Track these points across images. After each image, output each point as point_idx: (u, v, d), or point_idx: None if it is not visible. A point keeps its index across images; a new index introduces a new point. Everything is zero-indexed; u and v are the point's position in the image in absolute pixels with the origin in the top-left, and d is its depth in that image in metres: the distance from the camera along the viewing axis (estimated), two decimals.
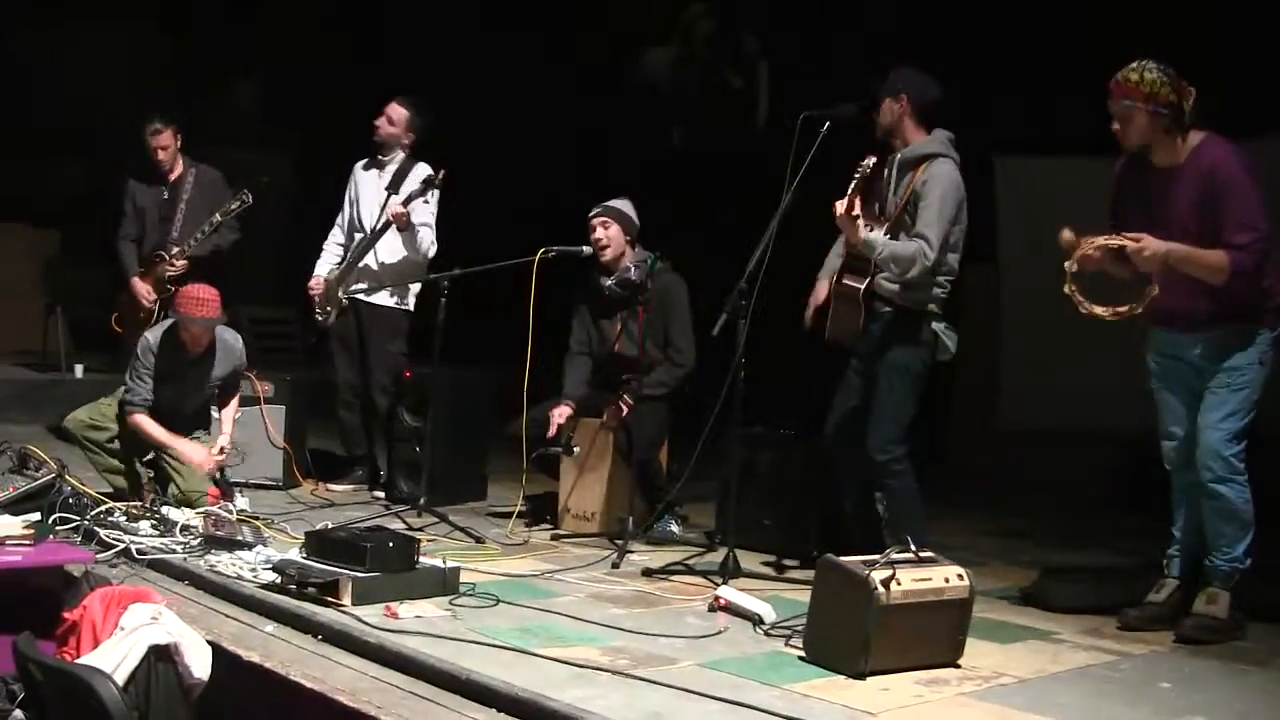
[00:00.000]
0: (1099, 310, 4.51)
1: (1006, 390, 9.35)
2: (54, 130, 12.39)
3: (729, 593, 4.67)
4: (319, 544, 4.70)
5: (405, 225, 6.77)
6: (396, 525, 5.75)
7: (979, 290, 8.81)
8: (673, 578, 5.20)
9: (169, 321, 5.97)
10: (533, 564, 5.39)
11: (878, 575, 3.87)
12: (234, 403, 6.28)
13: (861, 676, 3.86)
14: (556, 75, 12.06)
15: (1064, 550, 6.34)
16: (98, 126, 11.37)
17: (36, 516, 5.15)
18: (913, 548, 4.10)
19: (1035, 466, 8.32)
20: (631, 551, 5.55)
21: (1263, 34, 7.53)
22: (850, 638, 3.90)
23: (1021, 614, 4.92)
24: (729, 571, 5.08)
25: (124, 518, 5.42)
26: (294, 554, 4.75)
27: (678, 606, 4.75)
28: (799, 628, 4.20)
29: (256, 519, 5.58)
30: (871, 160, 4.93)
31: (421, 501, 6.10)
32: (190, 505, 5.63)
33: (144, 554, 5.06)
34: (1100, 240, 4.48)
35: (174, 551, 5.11)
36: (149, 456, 5.99)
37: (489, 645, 4.02)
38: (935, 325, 5.15)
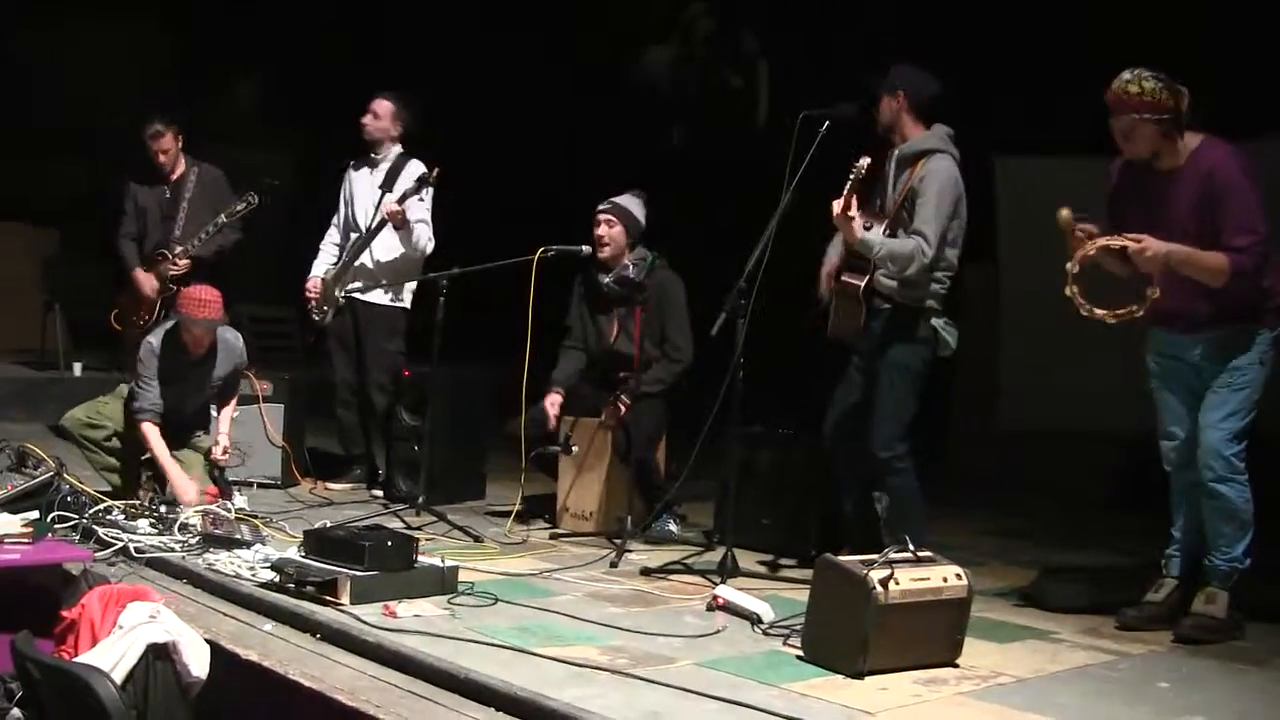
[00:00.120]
0: (1099, 312, 4.50)
1: (1006, 390, 9.35)
2: (54, 130, 12.39)
3: (727, 592, 4.67)
4: (317, 543, 4.70)
5: (401, 223, 6.77)
6: (395, 524, 5.75)
7: (979, 290, 8.82)
8: (671, 577, 5.20)
9: (170, 323, 5.96)
10: (531, 563, 5.39)
11: (876, 575, 3.87)
12: (232, 403, 6.27)
13: (860, 676, 3.85)
14: (556, 74, 12.07)
15: (1063, 550, 6.34)
16: (98, 126, 11.37)
17: (35, 515, 5.14)
18: (911, 547, 4.10)
19: (1034, 466, 8.32)
20: (630, 551, 5.55)
21: (1262, 34, 7.53)
22: (848, 637, 3.90)
23: (1020, 614, 4.92)
24: (727, 571, 5.08)
25: (122, 516, 5.42)
26: (292, 553, 4.74)
27: (676, 606, 4.75)
28: (797, 627, 4.20)
29: (255, 517, 5.59)
30: (866, 160, 4.93)
31: (420, 500, 6.10)
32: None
33: (142, 552, 5.05)
34: (1102, 241, 4.47)
35: (172, 550, 5.11)
36: (147, 455, 5.99)
37: (487, 644, 4.02)
38: (935, 321, 5.15)
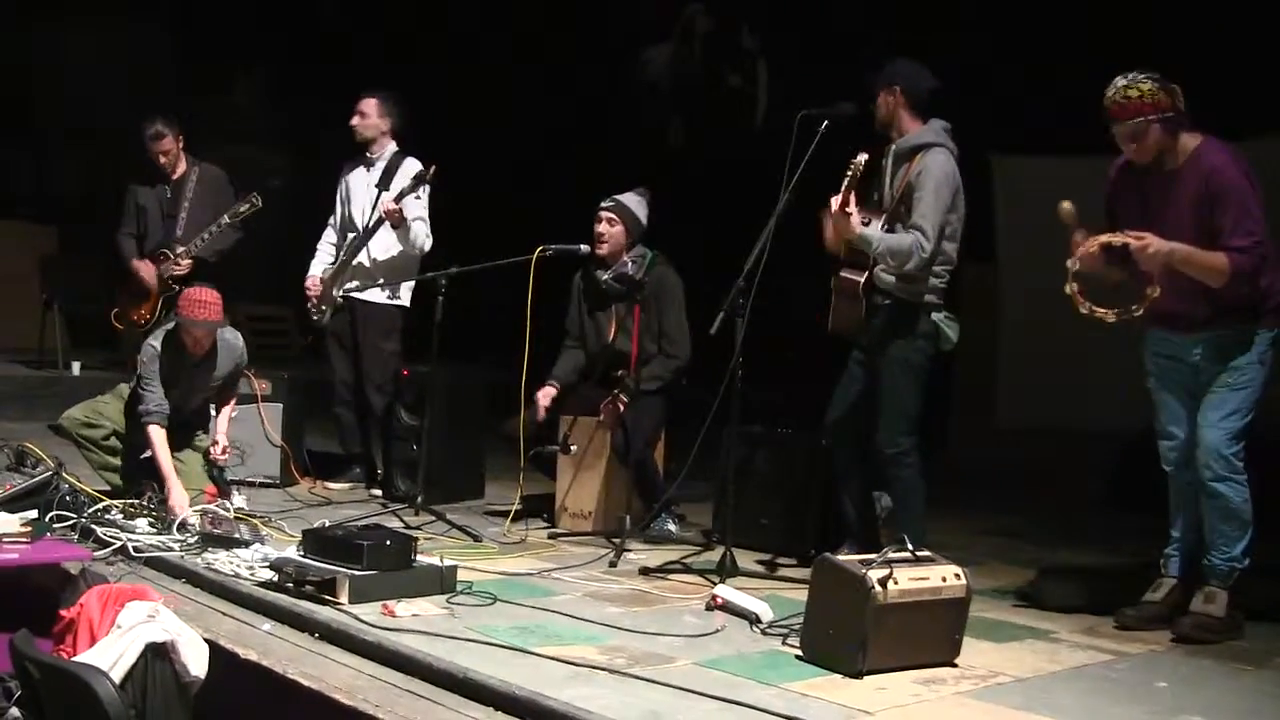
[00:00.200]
0: (1100, 311, 4.50)
1: (1004, 389, 9.36)
2: (53, 129, 12.41)
3: (726, 591, 4.67)
4: (316, 542, 4.69)
5: (398, 222, 6.77)
6: (394, 523, 5.75)
7: (977, 289, 8.82)
8: (670, 576, 5.20)
9: (170, 324, 5.95)
10: (530, 562, 5.39)
11: (875, 574, 3.87)
12: (230, 402, 6.26)
13: (859, 675, 3.85)
14: (554, 74, 12.07)
15: (1062, 549, 6.34)
16: (97, 126, 11.38)
17: (34, 514, 5.15)
18: (909, 547, 4.10)
19: (1033, 465, 8.32)
20: (629, 550, 5.55)
21: (1263, 34, 7.53)
22: (847, 637, 3.90)
23: (1019, 613, 4.92)
24: (726, 570, 5.08)
25: (121, 515, 5.41)
26: (291, 552, 4.74)
27: (675, 605, 4.75)
28: (796, 627, 4.20)
29: (254, 517, 5.58)
30: (864, 156, 4.94)
31: (419, 500, 6.10)
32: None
33: (141, 552, 5.05)
34: (1104, 238, 4.47)
35: (171, 549, 5.11)
36: (146, 454, 5.98)
37: (486, 644, 4.01)
38: (935, 316, 5.17)
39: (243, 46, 13.11)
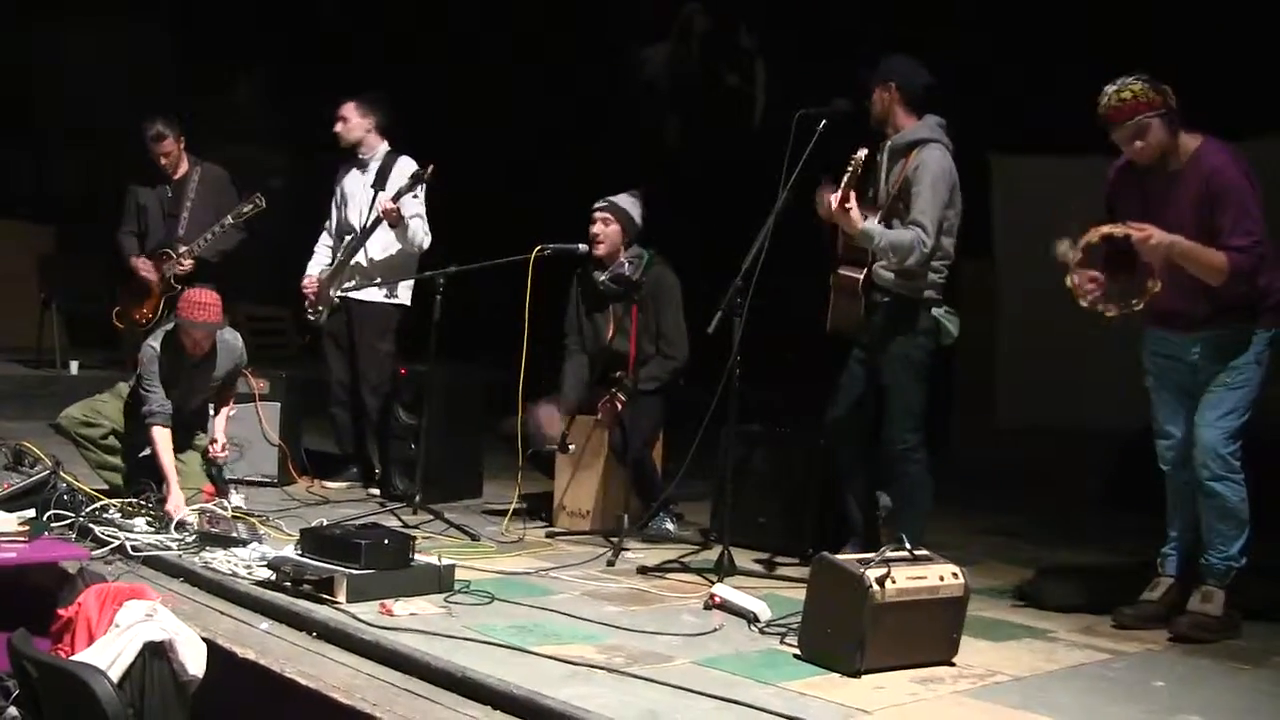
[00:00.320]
0: (1101, 305, 4.50)
1: (1003, 388, 9.36)
2: (53, 129, 12.40)
3: (724, 590, 4.68)
4: (314, 541, 4.69)
5: (396, 221, 6.77)
6: (392, 522, 5.74)
7: (976, 287, 8.82)
8: (668, 575, 5.20)
9: (169, 325, 5.94)
10: (528, 561, 5.39)
11: (873, 573, 3.87)
12: (229, 400, 6.26)
13: (856, 674, 3.86)
14: (554, 74, 12.07)
15: (1060, 548, 6.34)
16: (98, 126, 11.37)
17: (31, 513, 5.15)
18: (908, 546, 4.10)
19: (1032, 464, 8.33)
20: (627, 549, 5.55)
21: (1263, 34, 7.53)
22: (845, 636, 3.90)
23: (1016, 612, 4.92)
24: (724, 569, 5.08)
25: (119, 515, 5.41)
26: (289, 551, 4.74)
27: (673, 604, 4.75)
28: (794, 626, 4.20)
29: (252, 516, 5.58)
30: (863, 153, 4.95)
31: (417, 499, 6.10)
32: None
33: (139, 551, 5.05)
34: (1105, 229, 4.48)
35: (169, 548, 5.11)
36: (145, 452, 5.98)
37: (484, 643, 4.01)
38: (935, 311, 5.17)
39: (243, 46, 13.10)
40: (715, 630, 4.36)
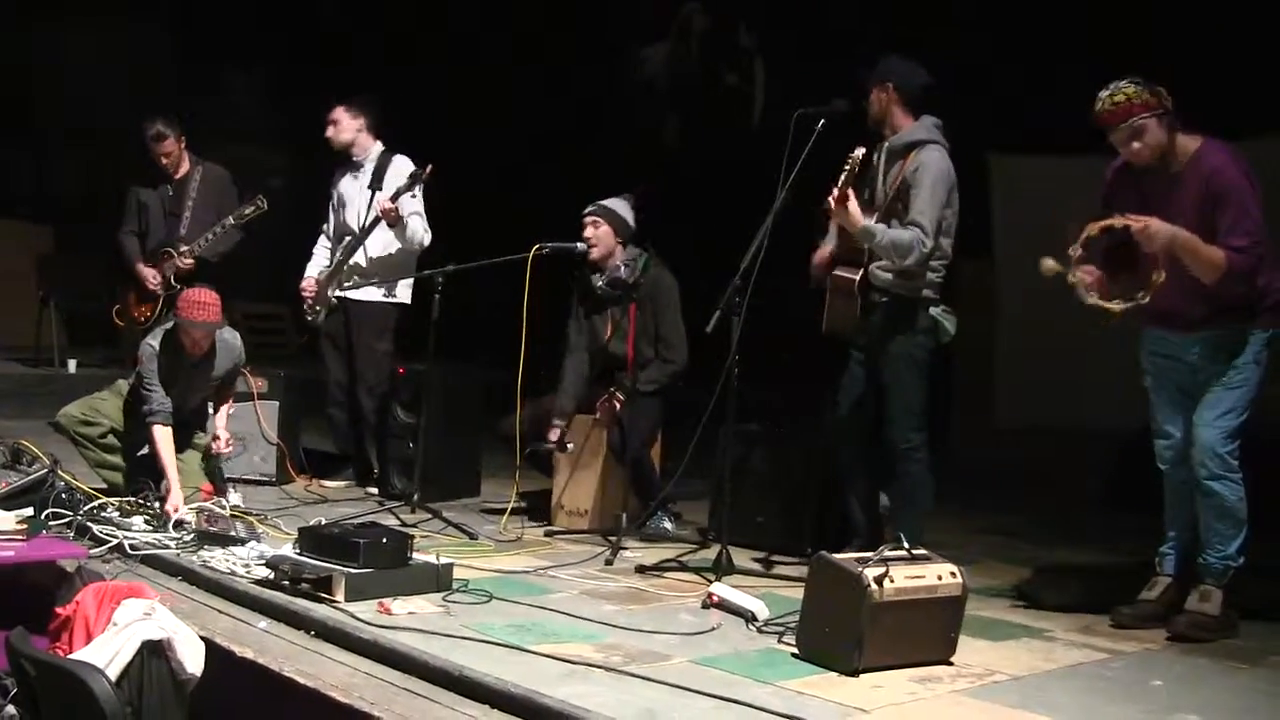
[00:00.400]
0: (1105, 303, 4.50)
1: (1003, 388, 9.36)
2: (53, 129, 12.39)
3: (722, 589, 4.67)
4: (312, 540, 4.70)
5: (395, 220, 6.77)
6: (390, 521, 5.75)
7: (975, 287, 8.82)
8: (666, 574, 5.20)
9: (168, 324, 5.94)
10: (526, 560, 5.39)
11: (871, 572, 3.87)
12: (228, 398, 6.25)
13: (855, 673, 3.86)
14: (553, 74, 12.07)
15: (1058, 548, 6.34)
16: (98, 126, 11.37)
17: (30, 512, 5.15)
18: (905, 545, 4.10)
19: (1031, 464, 8.33)
20: (625, 548, 5.55)
21: (1262, 34, 7.53)
22: (844, 635, 3.90)
23: (1015, 612, 4.92)
24: (722, 568, 5.08)
25: (117, 513, 5.41)
26: (287, 550, 4.74)
27: (671, 603, 4.75)
28: (792, 625, 4.20)
29: (250, 515, 5.58)
30: (861, 150, 4.95)
31: (415, 498, 6.10)
32: None
33: (137, 549, 5.05)
34: (1103, 221, 4.48)
35: (167, 547, 5.11)
36: (144, 451, 5.98)
37: (482, 642, 4.01)
38: (933, 310, 5.18)
39: (243, 46, 13.10)
40: (713, 629, 4.36)
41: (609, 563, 5.34)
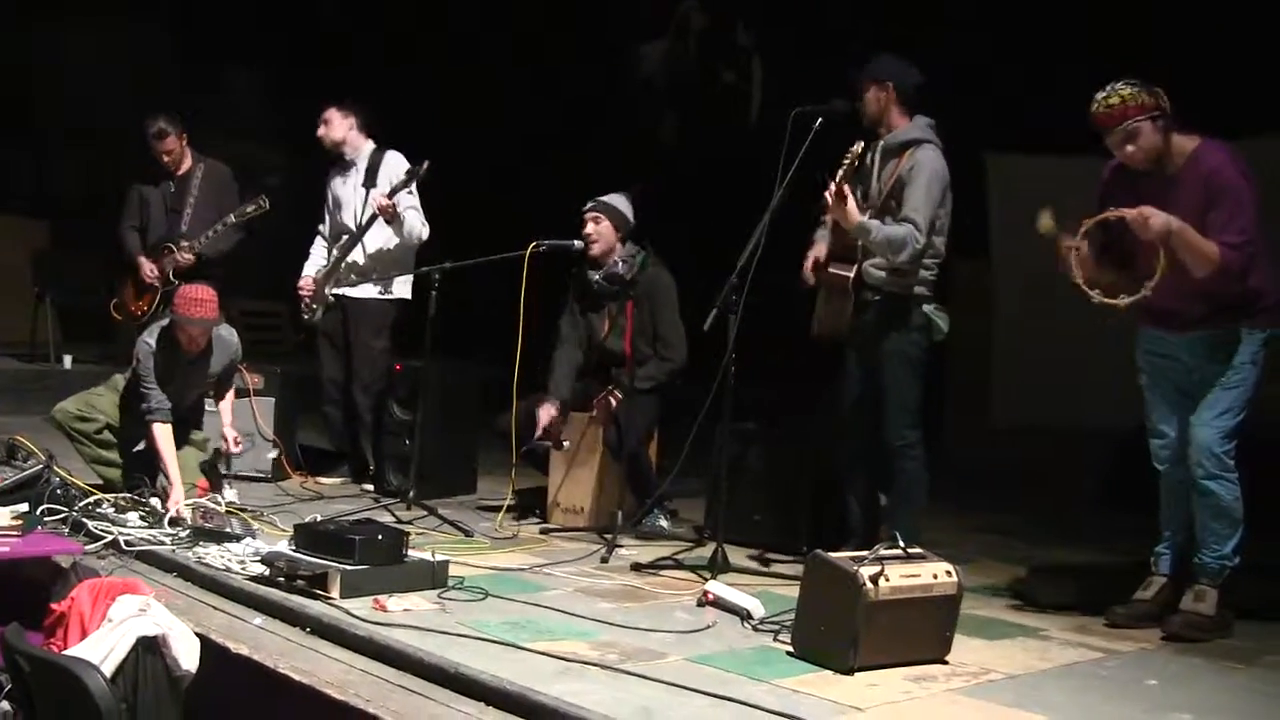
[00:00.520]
0: (1110, 300, 4.50)
1: (999, 387, 9.37)
2: (53, 129, 12.38)
3: (718, 588, 4.67)
4: (308, 537, 4.69)
5: (392, 217, 6.77)
6: (386, 518, 5.74)
7: (971, 287, 8.82)
8: (662, 572, 5.20)
9: (165, 321, 5.94)
10: (522, 558, 5.39)
11: (866, 571, 3.87)
12: (230, 395, 6.24)
13: (850, 672, 3.86)
14: (552, 73, 12.06)
15: (1054, 547, 6.35)
16: (98, 126, 11.36)
17: (25, 507, 5.14)
18: (901, 543, 4.10)
19: (1027, 463, 8.34)
20: (620, 546, 5.55)
21: (1262, 34, 7.53)
22: (839, 633, 3.90)
23: (1010, 611, 4.93)
24: (718, 566, 5.08)
25: (112, 509, 5.41)
26: (283, 546, 4.74)
27: (667, 601, 4.75)
28: (788, 623, 4.20)
29: (245, 511, 5.58)
30: (860, 145, 4.96)
31: (411, 495, 6.10)
32: None
33: (132, 545, 5.04)
34: (1099, 216, 4.48)
35: (162, 543, 5.10)
36: (140, 446, 5.97)
37: (478, 639, 4.01)
38: (926, 308, 5.19)
39: (243, 46, 13.09)
40: (709, 627, 4.36)
41: (605, 560, 5.34)
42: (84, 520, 5.21)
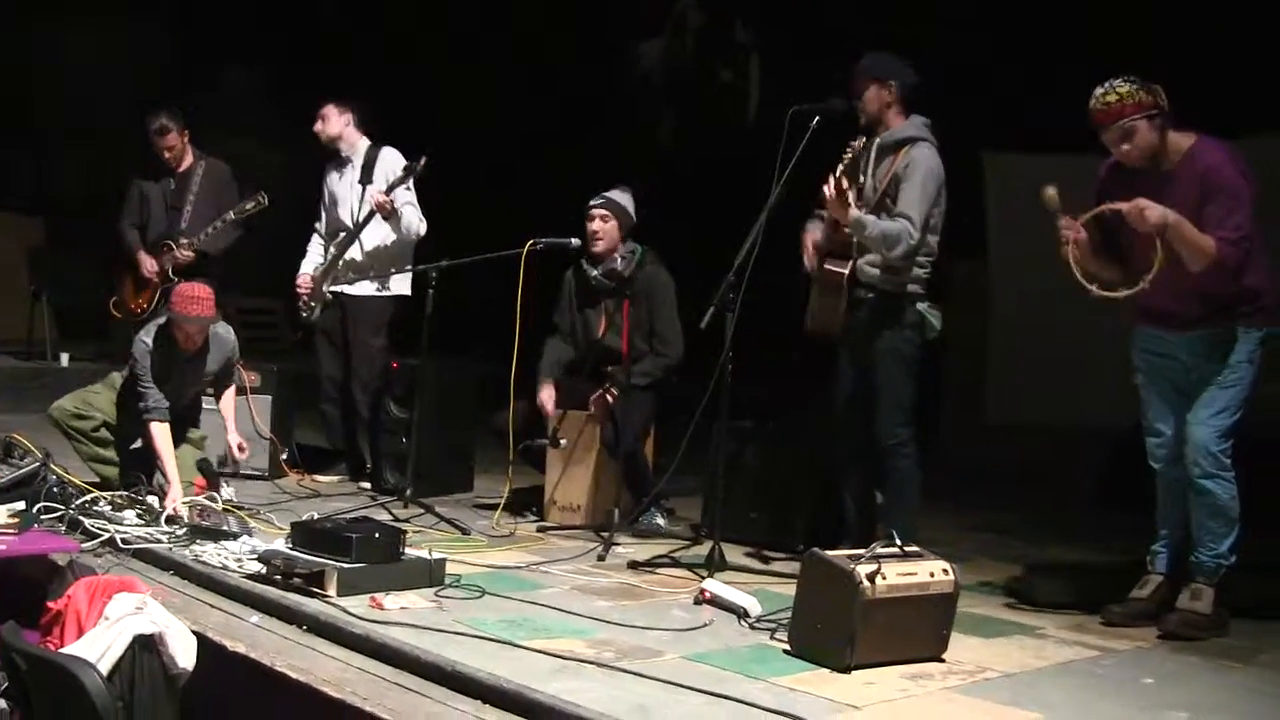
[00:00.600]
0: (1109, 293, 4.50)
1: (995, 384, 9.37)
2: (53, 129, 12.37)
3: (714, 586, 4.68)
4: (305, 535, 4.69)
5: (389, 213, 6.77)
6: (382, 516, 5.74)
7: (968, 286, 8.83)
8: (658, 570, 5.20)
9: (161, 320, 5.93)
10: (518, 556, 5.39)
11: (863, 569, 3.88)
12: (230, 394, 6.23)
13: (846, 670, 3.86)
14: (551, 72, 12.06)
15: (1050, 546, 6.35)
16: (98, 126, 11.36)
17: (21, 505, 5.14)
18: (898, 542, 4.10)
19: (1024, 462, 8.34)
20: (617, 544, 5.55)
21: (1262, 34, 7.54)
22: (835, 631, 3.90)
23: (1006, 609, 4.93)
24: (715, 564, 5.08)
25: (109, 507, 5.40)
26: (280, 544, 4.74)
27: (663, 599, 4.75)
28: (784, 621, 4.20)
29: (242, 509, 5.57)
30: (862, 141, 4.97)
31: (407, 493, 6.10)
32: None
33: (129, 543, 5.04)
34: (1094, 211, 4.49)
35: (159, 541, 5.10)
36: (137, 444, 5.97)
37: (474, 637, 4.01)
38: (919, 306, 5.20)
39: (243, 46, 13.09)
40: (705, 625, 4.36)
41: (601, 558, 5.34)
42: (81, 518, 5.21)
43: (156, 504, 5.45)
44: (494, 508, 6.15)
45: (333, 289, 6.98)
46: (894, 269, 5.17)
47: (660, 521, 6.19)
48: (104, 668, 3.60)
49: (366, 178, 6.95)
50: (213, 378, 6.11)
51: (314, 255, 7.17)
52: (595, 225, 6.23)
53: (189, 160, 7.34)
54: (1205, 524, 4.58)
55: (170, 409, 5.80)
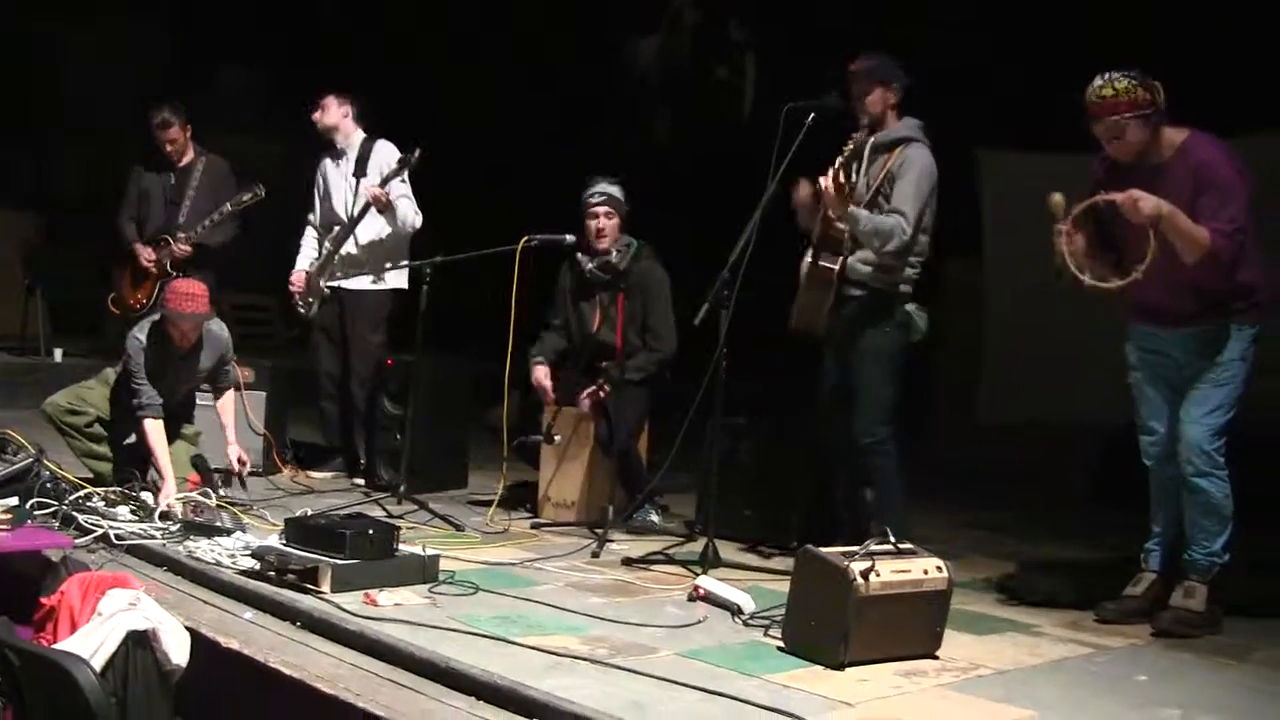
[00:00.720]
0: (1103, 285, 4.50)
1: (988, 383, 9.39)
2: (53, 129, 12.36)
3: (708, 582, 4.68)
4: (298, 531, 4.68)
5: (385, 207, 6.76)
6: (376, 513, 5.73)
7: (962, 284, 8.84)
8: (652, 567, 5.20)
9: (155, 316, 5.92)
10: (512, 552, 5.39)
11: (857, 566, 3.88)
12: (229, 398, 6.19)
13: (840, 667, 3.86)
14: (551, 71, 12.06)
15: (1044, 543, 6.36)
16: (98, 126, 11.35)
17: (14, 501, 5.13)
18: (892, 539, 4.11)
19: (1016, 459, 8.35)
20: (611, 540, 5.55)
21: (1261, 33, 7.55)
22: (829, 628, 3.91)
23: (1000, 606, 4.93)
24: (709, 561, 5.08)
25: (103, 503, 5.39)
26: (273, 541, 4.73)
27: (657, 596, 4.75)
28: (778, 618, 4.21)
29: (236, 505, 5.57)
30: (862, 134, 4.97)
31: (401, 489, 6.09)
32: None
33: (123, 539, 5.03)
34: (1087, 202, 4.49)
35: (153, 537, 5.09)
36: (130, 440, 5.96)
37: (468, 633, 4.01)
38: (907, 306, 5.22)
39: (242, 46, 13.08)
40: (699, 622, 4.36)
41: (595, 555, 5.34)
42: (74, 514, 5.20)
43: (150, 500, 5.45)
44: (488, 504, 6.15)
45: (330, 284, 6.97)
46: (886, 267, 5.18)
47: (654, 518, 6.19)
48: (97, 664, 3.60)
49: (361, 170, 6.95)
50: (207, 374, 6.10)
51: (308, 250, 7.16)
52: (600, 222, 6.23)
53: (190, 155, 7.33)
54: (1199, 522, 4.59)
55: (164, 405, 5.79)
